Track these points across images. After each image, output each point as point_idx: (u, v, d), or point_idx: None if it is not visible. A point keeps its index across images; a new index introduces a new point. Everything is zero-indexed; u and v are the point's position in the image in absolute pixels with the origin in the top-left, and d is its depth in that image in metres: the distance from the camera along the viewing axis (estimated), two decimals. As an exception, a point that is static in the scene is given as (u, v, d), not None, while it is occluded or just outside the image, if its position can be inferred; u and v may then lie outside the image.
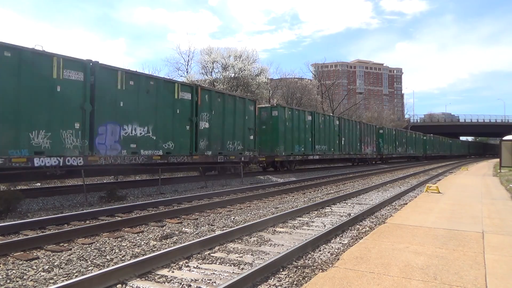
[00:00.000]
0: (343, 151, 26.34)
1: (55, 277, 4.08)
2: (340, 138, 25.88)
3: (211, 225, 6.94)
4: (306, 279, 4.04)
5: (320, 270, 4.25)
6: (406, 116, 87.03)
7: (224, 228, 6.56)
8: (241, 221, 7.28)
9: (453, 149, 66.63)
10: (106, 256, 4.88)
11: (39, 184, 12.96)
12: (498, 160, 26.69)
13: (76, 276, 4.09)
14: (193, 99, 13.74)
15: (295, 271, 4.31)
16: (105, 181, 14.16)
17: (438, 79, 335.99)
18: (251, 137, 17.44)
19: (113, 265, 4.37)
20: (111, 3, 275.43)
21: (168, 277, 4.11)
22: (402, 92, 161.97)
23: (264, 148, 19.00)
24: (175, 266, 4.46)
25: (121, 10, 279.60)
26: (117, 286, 3.82)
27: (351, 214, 7.95)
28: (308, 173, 20.65)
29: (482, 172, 23.10)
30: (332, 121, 25.18)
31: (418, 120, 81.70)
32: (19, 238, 5.51)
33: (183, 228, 6.60)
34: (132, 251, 5.13)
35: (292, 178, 16.89)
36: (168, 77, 15.38)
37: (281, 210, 8.37)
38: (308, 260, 4.74)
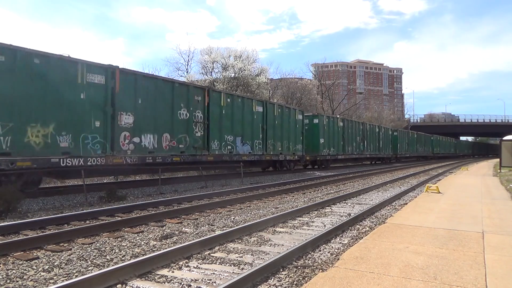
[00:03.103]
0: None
1: (55, 277, 4.08)
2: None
3: (211, 225, 6.93)
4: (306, 279, 4.04)
5: (320, 270, 4.24)
6: (406, 116, 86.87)
7: (224, 228, 6.56)
8: (241, 221, 7.28)
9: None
10: (106, 256, 4.88)
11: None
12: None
13: (76, 276, 4.09)
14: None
15: (295, 271, 4.31)
16: (105, 181, 14.15)
17: (437, 79, 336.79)
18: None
19: (113, 265, 4.37)
20: (109, 3, 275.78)
21: (168, 277, 4.11)
22: (402, 92, 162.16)
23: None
24: (175, 266, 4.46)
25: (119, 10, 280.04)
26: (117, 286, 3.82)
27: (351, 214, 7.95)
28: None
29: (482, 172, 23.10)
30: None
31: (418, 120, 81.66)
32: (19, 238, 5.51)
33: (183, 228, 6.60)
34: (132, 251, 5.13)
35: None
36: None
37: (281, 210, 8.37)
38: (308, 260, 4.74)
